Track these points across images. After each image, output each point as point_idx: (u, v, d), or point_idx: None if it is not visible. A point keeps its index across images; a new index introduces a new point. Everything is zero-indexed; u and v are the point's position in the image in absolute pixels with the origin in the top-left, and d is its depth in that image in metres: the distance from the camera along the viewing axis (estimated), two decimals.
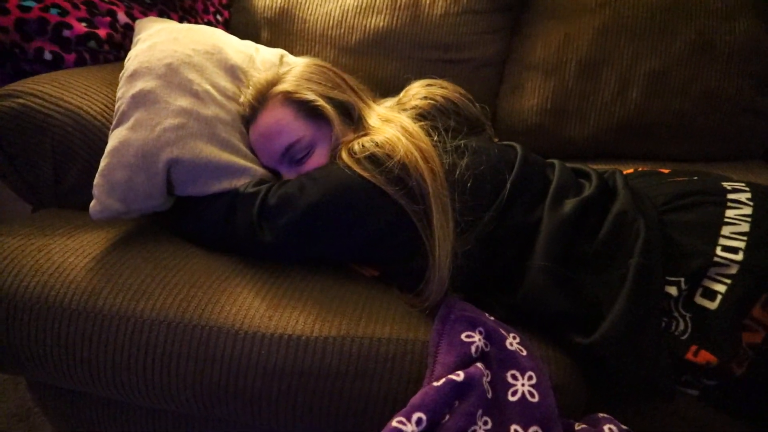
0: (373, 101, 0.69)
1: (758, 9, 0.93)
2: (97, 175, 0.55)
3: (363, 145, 0.55)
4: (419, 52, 0.94)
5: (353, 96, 0.65)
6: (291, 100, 0.61)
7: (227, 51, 0.68)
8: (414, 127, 0.58)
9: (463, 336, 0.45)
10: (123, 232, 0.59)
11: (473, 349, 0.44)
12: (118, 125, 0.57)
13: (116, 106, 0.59)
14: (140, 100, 0.57)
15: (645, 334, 0.45)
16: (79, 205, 0.64)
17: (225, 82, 0.65)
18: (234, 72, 0.67)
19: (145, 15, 0.82)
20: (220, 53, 0.67)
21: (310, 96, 0.61)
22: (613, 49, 0.92)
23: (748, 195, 0.50)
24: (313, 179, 0.54)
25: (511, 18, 0.98)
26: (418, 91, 0.69)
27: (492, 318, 0.48)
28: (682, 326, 0.47)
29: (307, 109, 0.61)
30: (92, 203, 0.54)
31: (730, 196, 0.51)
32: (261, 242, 0.54)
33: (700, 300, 0.47)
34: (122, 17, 0.78)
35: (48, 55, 0.69)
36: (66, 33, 0.70)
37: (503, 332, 0.46)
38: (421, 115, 0.64)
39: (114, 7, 0.77)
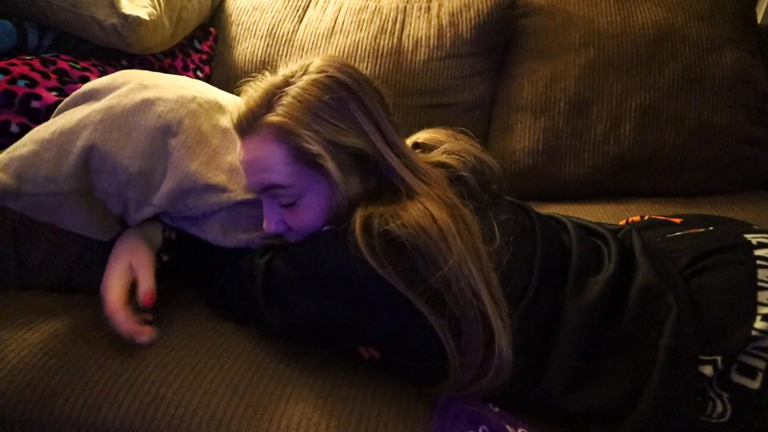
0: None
1: (742, 40, 0.92)
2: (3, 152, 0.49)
3: (387, 226, 0.41)
4: (405, 99, 0.93)
5: (378, 139, 0.48)
6: (284, 139, 0.47)
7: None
8: (465, 209, 0.45)
9: None
10: (88, 320, 0.54)
11: None
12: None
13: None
14: (80, 95, 0.55)
15: (679, 424, 0.40)
16: (44, 285, 0.60)
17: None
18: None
19: None
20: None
21: (311, 146, 0.46)
22: (602, 86, 0.91)
23: None
24: (306, 276, 0.45)
25: (495, 60, 0.97)
26: (435, 139, 0.55)
27: (496, 409, 0.43)
28: (720, 408, 0.42)
29: (304, 158, 0.47)
30: None
31: (758, 252, 0.46)
32: (271, 327, 0.49)
33: (737, 378, 0.42)
34: None
35: (15, 128, 0.66)
36: (35, 104, 0.67)
37: (510, 429, 0.41)
38: (450, 180, 0.50)
39: (87, 74, 0.75)
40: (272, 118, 0.47)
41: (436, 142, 0.56)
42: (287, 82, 0.49)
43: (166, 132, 0.51)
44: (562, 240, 0.52)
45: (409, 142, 0.58)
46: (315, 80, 0.48)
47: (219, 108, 0.58)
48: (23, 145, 0.49)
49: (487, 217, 0.48)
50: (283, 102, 0.47)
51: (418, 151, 0.56)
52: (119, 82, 0.55)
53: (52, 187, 0.48)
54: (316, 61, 0.50)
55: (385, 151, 0.48)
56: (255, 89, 0.50)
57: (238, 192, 0.55)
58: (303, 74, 0.49)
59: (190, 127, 0.53)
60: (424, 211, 0.43)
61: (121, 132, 0.50)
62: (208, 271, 0.57)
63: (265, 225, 0.52)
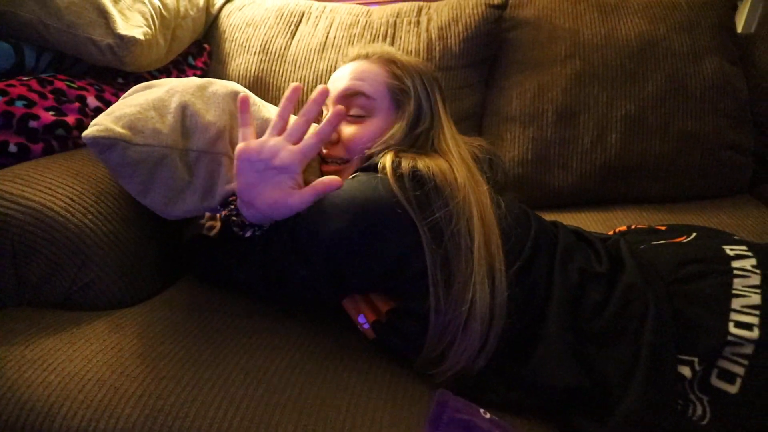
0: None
1: (723, 49, 0.95)
2: (98, 117, 0.53)
3: (414, 163, 0.49)
4: None
5: (443, 112, 0.62)
6: (393, 71, 0.62)
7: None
8: (479, 174, 0.54)
9: None
10: (86, 336, 0.55)
11: None
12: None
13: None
14: (141, 87, 0.61)
15: (663, 421, 0.42)
16: (44, 303, 0.61)
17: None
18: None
19: (117, 96, 0.82)
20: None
21: (407, 82, 0.61)
22: (588, 97, 0.93)
23: (753, 262, 0.48)
24: (331, 198, 0.48)
25: (483, 72, 1.00)
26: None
27: (488, 416, 0.44)
28: (699, 411, 0.43)
29: (396, 88, 0.60)
30: (89, 128, 0.50)
31: (735, 263, 0.48)
32: (294, 276, 0.50)
33: (717, 382, 0.43)
34: (92, 101, 0.77)
35: (13, 148, 0.68)
36: (32, 124, 0.69)
37: None
38: (475, 159, 0.59)
39: (84, 93, 0.76)
40: (392, 52, 0.64)
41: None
42: (400, 52, 0.66)
43: (234, 96, 0.60)
44: (552, 232, 0.57)
45: None
46: (429, 65, 0.67)
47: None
48: (122, 108, 0.54)
49: (495, 192, 0.55)
50: (401, 54, 0.65)
51: None
52: (162, 83, 0.62)
53: (159, 139, 0.53)
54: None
55: (444, 121, 0.61)
56: (374, 45, 0.69)
57: None
58: (415, 58, 0.67)
59: (249, 95, 0.61)
60: (447, 164, 0.52)
61: (203, 99, 0.59)
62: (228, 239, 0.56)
63: (323, 124, 0.52)
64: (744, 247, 0.50)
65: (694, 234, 0.57)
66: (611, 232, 0.70)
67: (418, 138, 0.59)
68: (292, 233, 0.48)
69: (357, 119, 0.60)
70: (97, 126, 0.51)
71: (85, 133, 0.51)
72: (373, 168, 0.53)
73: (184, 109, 0.56)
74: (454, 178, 0.49)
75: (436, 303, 0.46)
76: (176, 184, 0.56)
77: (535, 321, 0.48)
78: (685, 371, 0.44)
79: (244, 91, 0.63)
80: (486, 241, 0.47)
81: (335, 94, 0.62)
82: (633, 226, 0.68)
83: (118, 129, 0.51)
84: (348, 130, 0.60)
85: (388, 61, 0.63)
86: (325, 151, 0.63)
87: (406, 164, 0.49)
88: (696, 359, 0.44)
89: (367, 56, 0.65)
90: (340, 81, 0.63)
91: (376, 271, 0.48)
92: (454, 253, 0.47)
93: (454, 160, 0.53)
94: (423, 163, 0.50)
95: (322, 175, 0.51)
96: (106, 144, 0.51)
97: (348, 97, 0.60)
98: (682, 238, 0.57)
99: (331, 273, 0.48)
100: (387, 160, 0.51)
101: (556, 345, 0.46)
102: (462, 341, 0.46)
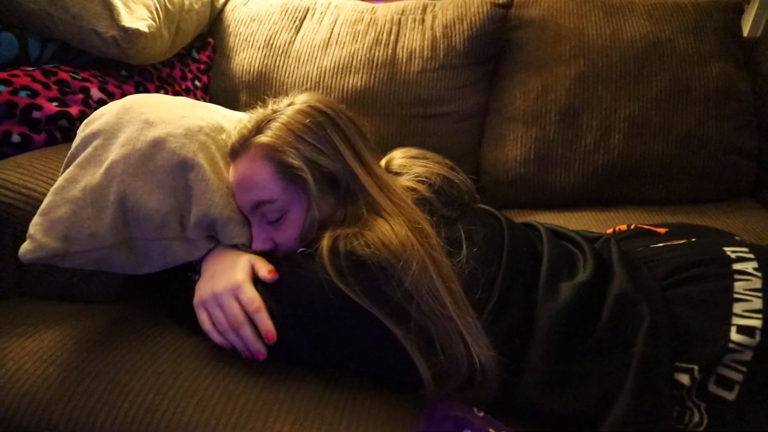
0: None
1: (728, 53, 0.95)
2: (36, 215, 0.50)
3: (352, 247, 0.45)
4: (399, 109, 0.94)
5: (352, 160, 0.54)
6: (274, 159, 0.54)
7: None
8: (426, 224, 0.49)
9: None
10: (86, 329, 0.55)
11: None
12: (65, 168, 0.54)
13: (68, 154, 0.56)
14: (90, 138, 0.54)
15: (655, 429, 0.42)
16: (44, 295, 0.61)
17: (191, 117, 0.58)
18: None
19: (121, 89, 0.82)
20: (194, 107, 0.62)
21: (293, 161, 0.52)
22: (592, 97, 0.93)
23: (755, 264, 0.47)
24: (280, 303, 0.47)
25: (487, 70, 0.99)
26: (405, 165, 0.61)
27: (481, 414, 0.44)
28: (696, 418, 0.43)
29: (287, 173, 0.53)
30: (24, 245, 0.48)
31: (736, 266, 0.48)
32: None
33: (715, 389, 0.43)
34: (96, 93, 0.77)
35: (16, 138, 0.68)
36: (36, 114, 0.69)
37: None
38: (419, 201, 0.54)
39: (87, 84, 0.76)
40: (261, 138, 0.54)
41: (405, 168, 0.61)
42: (275, 111, 0.57)
43: (183, 168, 0.54)
44: (535, 245, 0.55)
45: (383, 161, 0.64)
46: (299, 109, 0.56)
47: (222, 131, 0.61)
48: (57, 207, 0.50)
49: (455, 229, 0.51)
50: (271, 126, 0.55)
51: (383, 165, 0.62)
52: (124, 120, 0.55)
53: (97, 242, 0.50)
54: (301, 96, 0.59)
55: (357, 169, 0.54)
56: (248, 120, 0.58)
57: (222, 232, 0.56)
58: (289, 105, 0.57)
59: (204, 161, 0.55)
60: (387, 227, 0.48)
61: (145, 178, 0.52)
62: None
63: (254, 244, 0.56)
64: (745, 249, 0.50)
65: (693, 239, 0.56)
66: (610, 231, 0.70)
67: (344, 204, 0.54)
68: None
69: (278, 221, 0.54)
70: (30, 243, 0.48)
71: (20, 255, 0.48)
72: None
73: (123, 203, 0.51)
74: (399, 245, 0.46)
75: (425, 375, 0.45)
76: (130, 265, 0.54)
77: (516, 356, 0.46)
78: (684, 379, 0.43)
79: (198, 146, 0.55)
80: (454, 299, 0.45)
81: (246, 209, 0.56)
82: (633, 226, 0.67)
83: (52, 243, 0.48)
84: (279, 237, 0.55)
85: (262, 149, 0.54)
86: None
87: (343, 250, 0.46)
88: (696, 367, 0.43)
89: (241, 151, 0.55)
90: (240, 193, 0.55)
91: (338, 359, 0.50)
92: (429, 323, 0.44)
93: (393, 220, 0.49)
94: (360, 243, 0.46)
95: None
96: (45, 260, 0.49)
97: (255, 209, 0.54)
98: (681, 241, 0.56)
99: (284, 357, 0.50)
100: (324, 250, 0.47)
101: (540, 378, 0.45)
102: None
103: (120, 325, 0.55)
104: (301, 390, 0.48)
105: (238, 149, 0.56)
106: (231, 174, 0.57)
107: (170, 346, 0.53)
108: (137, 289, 0.63)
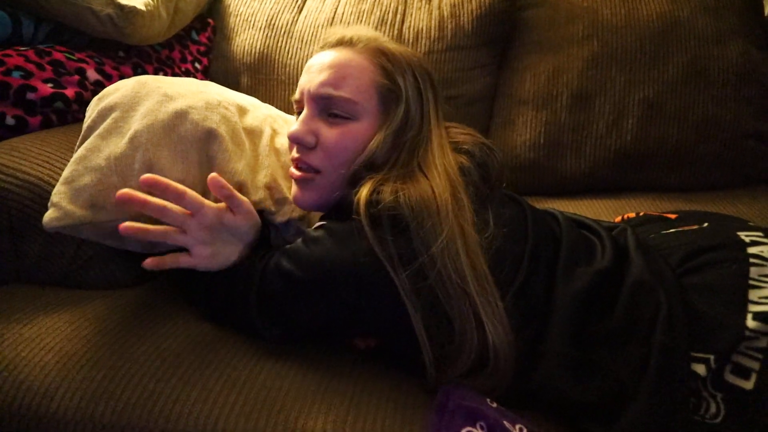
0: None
1: (749, 33, 0.91)
2: (57, 184, 0.48)
3: (394, 198, 0.43)
4: None
5: (433, 113, 0.53)
6: (383, 66, 0.51)
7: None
8: (463, 195, 0.46)
9: None
10: (86, 315, 0.53)
11: None
12: (82, 140, 0.52)
13: (83, 127, 0.54)
14: (107, 111, 0.53)
15: (674, 423, 0.40)
16: (42, 280, 0.59)
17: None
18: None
19: (118, 70, 0.79)
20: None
21: (400, 81, 0.51)
22: (605, 80, 0.90)
23: None
24: (309, 280, 0.46)
25: (497, 52, 0.96)
26: (448, 129, 0.56)
27: (494, 405, 0.43)
28: (713, 409, 0.41)
29: (385, 87, 0.50)
30: (48, 213, 0.47)
31: (751, 250, 0.46)
32: (263, 336, 0.50)
33: (731, 378, 0.41)
34: (92, 74, 0.75)
35: (10, 120, 0.65)
36: (30, 96, 0.67)
37: (508, 425, 0.40)
38: (459, 170, 0.51)
39: (83, 65, 0.74)
40: (387, 44, 0.54)
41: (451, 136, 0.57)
42: (390, 41, 0.56)
43: (206, 139, 0.53)
44: (553, 231, 0.53)
45: None
46: (422, 57, 0.56)
47: (241, 110, 0.60)
48: (81, 175, 0.49)
49: (484, 207, 0.49)
50: (392, 45, 0.54)
51: None
52: (141, 93, 0.54)
53: (124, 211, 0.48)
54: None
55: (433, 121, 0.53)
56: (358, 27, 0.57)
57: (274, 209, 0.57)
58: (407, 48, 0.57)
59: (226, 133, 0.54)
60: (430, 187, 0.46)
61: (169, 148, 0.51)
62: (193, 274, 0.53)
63: (295, 128, 0.51)
64: (760, 233, 0.48)
65: (705, 224, 0.54)
66: (618, 219, 0.68)
67: (403, 148, 0.51)
68: (259, 302, 0.49)
69: (338, 121, 0.50)
70: (55, 211, 0.47)
71: (45, 223, 0.47)
72: (347, 207, 0.47)
73: (149, 172, 0.49)
74: (436, 208, 0.44)
75: (428, 356, 0.44)
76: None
77: (533, 340, 0.45)
78: (700, 369, 0.42)
79: (227, 112, 0.55)
80: (476, 276, 0.43)
81: (313, 91, 0.51)
82: (642, 213, 0.65)
83: (78, 212, 0.47)
84: (328, 134, 0.50)
85: (378, 53, 0.52)
86: (297, 155, 0.53)
87: (384, 201, 0.44)
88: (712, 356, 0.42)
89: (351, 43, 0.53)
90: (318, 75, 0.51)
91: (365, 330, 0.50)
92: (445, 295, 0.43)
93: (437, 182, 0.47)
94: (404, 196, 0.44)
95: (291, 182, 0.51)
96: (71, 229, 0.48)
97: (322, 98, 0.50)
98: (693, 227, 0.54)
99: (306, 336, 0.50)
100: (363, 194, 0.45)
101: (559, 362, 0.43)
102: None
103: (120, 311, 0.54)
104: (307, 379, 0.47)
105: (347, 41, 0.53)
106: (317, 57, 0.54)
107: (172, 333, 0.51)
108: (138, 277, 0.62)
